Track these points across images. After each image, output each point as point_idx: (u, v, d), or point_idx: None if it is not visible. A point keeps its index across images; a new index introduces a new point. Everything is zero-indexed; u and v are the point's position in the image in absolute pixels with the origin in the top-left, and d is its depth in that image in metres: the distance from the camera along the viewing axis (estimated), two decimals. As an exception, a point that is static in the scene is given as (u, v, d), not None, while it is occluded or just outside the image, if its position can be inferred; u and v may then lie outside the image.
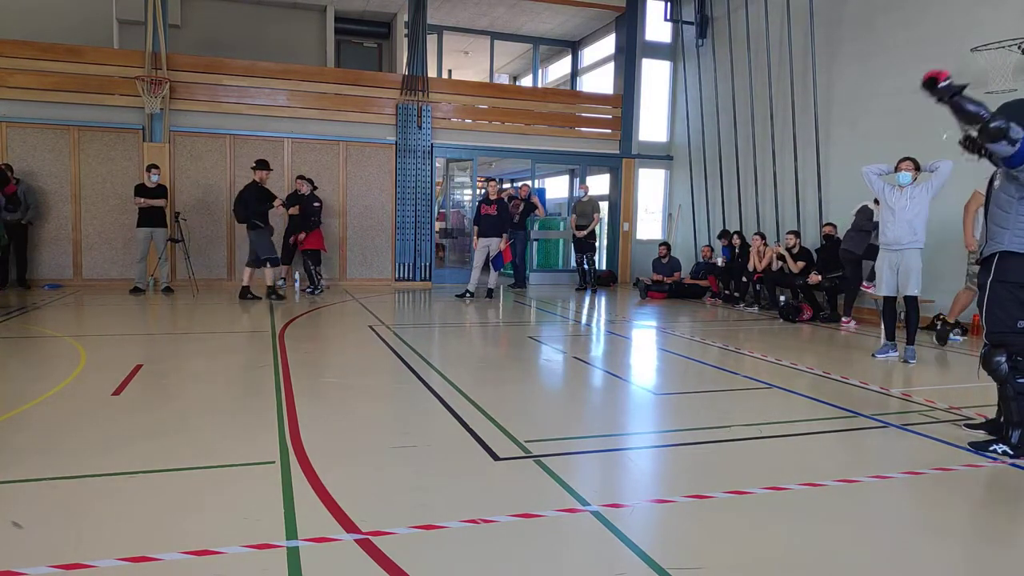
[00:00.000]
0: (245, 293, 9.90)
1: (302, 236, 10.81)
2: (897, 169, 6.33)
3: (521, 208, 12.32)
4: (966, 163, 6.22)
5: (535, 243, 14.21)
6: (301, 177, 11.38)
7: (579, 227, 12.20)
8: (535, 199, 12.54)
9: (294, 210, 11.22)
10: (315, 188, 11.02)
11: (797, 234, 9.82)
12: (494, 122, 13.41)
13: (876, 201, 7.36)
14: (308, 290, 10.88)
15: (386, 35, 14.64)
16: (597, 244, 12.82)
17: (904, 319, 6.67)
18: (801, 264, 9.49)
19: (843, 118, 10.01)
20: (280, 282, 11.48)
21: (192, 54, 11.80)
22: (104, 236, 11.13)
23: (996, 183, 3.85)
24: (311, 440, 3.73)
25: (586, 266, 12.32)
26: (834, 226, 9.31)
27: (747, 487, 3.22)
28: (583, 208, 12.29)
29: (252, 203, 9.76)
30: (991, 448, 3.80)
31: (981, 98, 7.76)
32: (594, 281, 12.29)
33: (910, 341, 6.46)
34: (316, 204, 10.84)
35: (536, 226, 13.89)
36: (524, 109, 13.52)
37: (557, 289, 12.81)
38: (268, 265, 9.83)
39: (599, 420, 4.57)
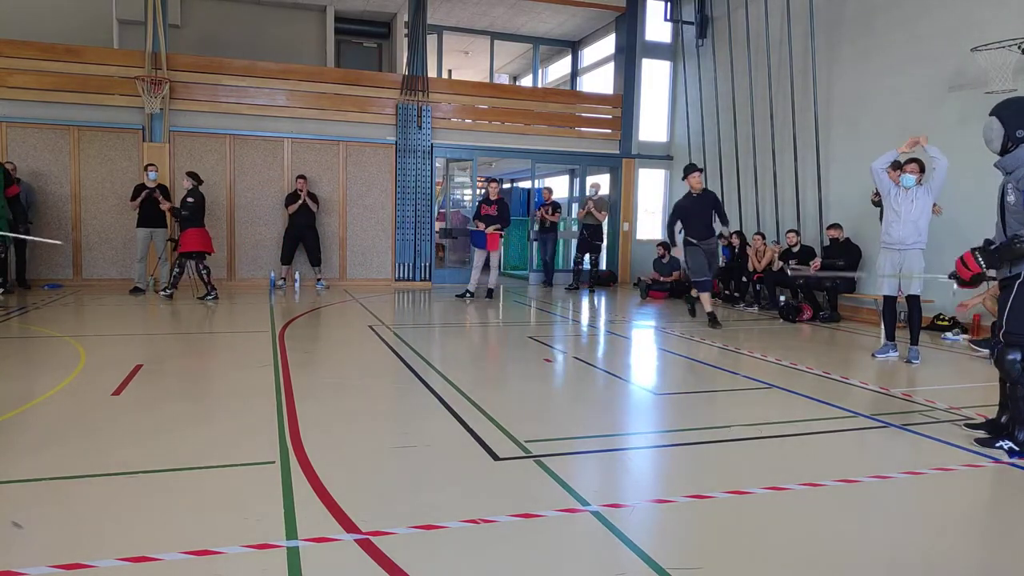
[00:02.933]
0: (713, 320, 8.31)
1: (197, 238, 9.59)
2: (902, 170, 6.35)
3: (550, 212, 12.66)
4: (956, 160, 6.28)
5: (534, 244, 14.21)
6: (302, 176, 11.39)
7: (586, 224, 12.42)
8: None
9: (293, 208, 11.25)
10: (199, 183, 9.80)
11: (797, 232, 9.83)
12: (494, 122, 13.40)
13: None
14: (208, 296, 9.63)
15: (386, 35, 14.63)
16: (603, 245, 12.93)
17: (906, 319, 6.68)
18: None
19: (843, 118, 10.00)
20: (281, 282, 11.52)
21: (192, 54, 11.80)
22: (104, 236, 11.12)
23: (1011, 199, 3.80)
24: (311, 440, 3.73)
25: (587, 266, 12.34)
26: (840, 227, 9.28)
27: (747, 487, 3.22)
28: (604, 205, 12.50)
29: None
30: (996, 445, 3.81)
31: (981, 98, 7.76)
32: (591, 281, 12.31)
33: (913, 341, 6.47)
34: (190, 200, 9.59)
35: (537, 226, 13.89)
36: (524, 109, 13.52)
37: (558, 289, 12.81)
38: (698, 290, 8.60)
39: (599, 420, 4.57)
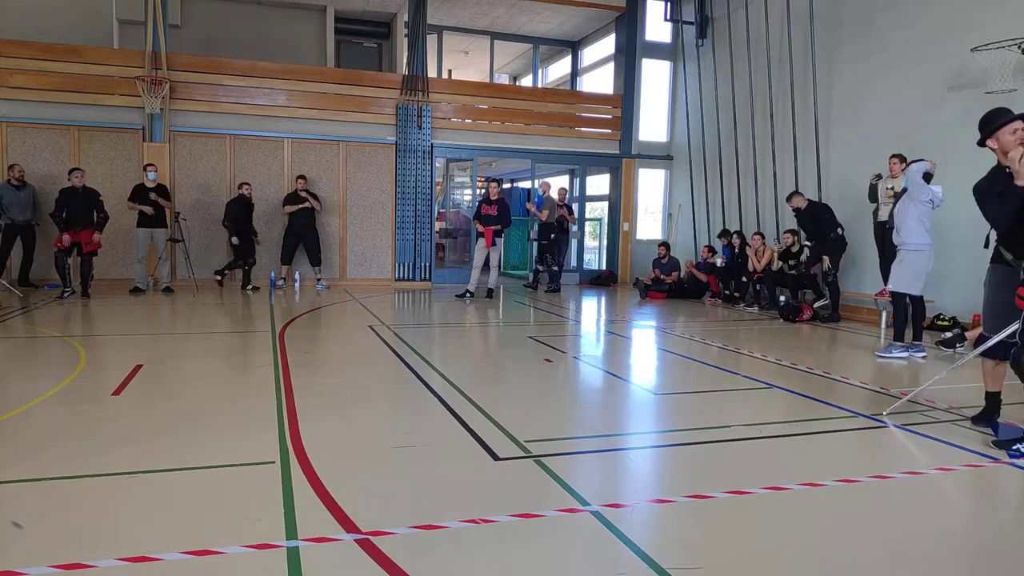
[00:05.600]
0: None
1: (97, 236, 9.57)
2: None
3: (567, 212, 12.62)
4: (956, 160, 6.29)
5: (533, 244, 14.20)
6: (302, 177, 11.39)
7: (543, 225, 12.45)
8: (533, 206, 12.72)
9: (291, 208, 11.25)
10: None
11: (795, 232, 9.84)
12: (494, 122, 13.41)
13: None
14: (65, 294, 9.44)
15: (386, 35, 14.64)
16: (555, 243, 12.80)
17: (911, 318, 6.68)
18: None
19: (843, 118, 10.01)
20: (281, 282, 11.51)
21: (192, 54, 11.81)
22: (104, 236, 11.06)
23: None
24: (311, 440, 3.73)
25: (545, 266, 12.36)
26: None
27: (747, 487, 3.22)
28: (548, 204, 12.49)
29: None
30: (1014, 447, 3.80)
31: (981, 98, 7.76)
32: (534, 282, 12.40)
33: (916, 338, 6.47)
34: (99, 199, 9.64)
35: (536, 226, 13.89)
36: (524, 109, 13.52)
37: (563, 290, 12.79)
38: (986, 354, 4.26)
39: (599, 420, 4.57)
